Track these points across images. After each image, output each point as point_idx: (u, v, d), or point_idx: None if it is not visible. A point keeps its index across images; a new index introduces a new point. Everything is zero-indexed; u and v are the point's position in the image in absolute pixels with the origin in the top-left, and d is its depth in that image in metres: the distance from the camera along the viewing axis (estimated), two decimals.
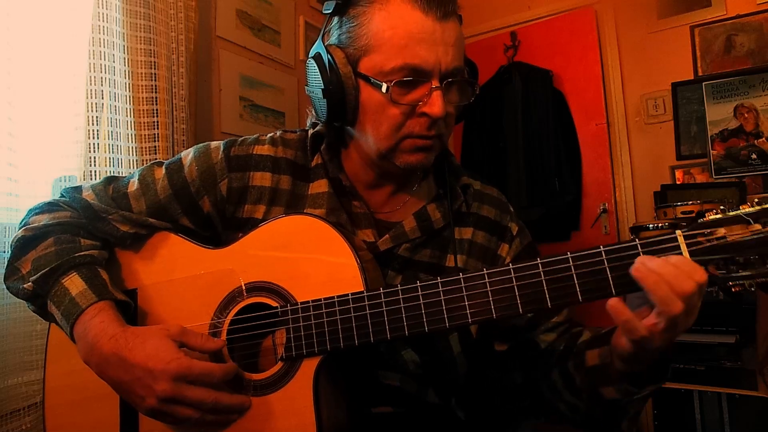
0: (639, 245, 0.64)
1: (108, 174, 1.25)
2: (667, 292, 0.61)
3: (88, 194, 0.89)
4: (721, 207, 0.64)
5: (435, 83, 0.77)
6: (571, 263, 0.66)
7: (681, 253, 0.63)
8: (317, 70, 0.81)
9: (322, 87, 0.80)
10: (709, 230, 0.63)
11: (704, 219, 0.65)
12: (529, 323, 0.90)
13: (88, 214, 0.86)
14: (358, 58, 0.79)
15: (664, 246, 0.64)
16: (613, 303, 0.64)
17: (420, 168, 0.85)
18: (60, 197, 0.91)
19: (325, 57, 0.80)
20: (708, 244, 0.63)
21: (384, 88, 0.77)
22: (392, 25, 0.76)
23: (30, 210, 0.89)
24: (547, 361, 0.88)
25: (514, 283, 0.67)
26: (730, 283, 0.63)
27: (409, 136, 0.80)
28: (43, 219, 0.85)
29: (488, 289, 0.68)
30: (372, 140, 0.82)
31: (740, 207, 0.64)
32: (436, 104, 0.77)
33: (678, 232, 0.64)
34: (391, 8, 0.77)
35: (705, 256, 0.63)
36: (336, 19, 0.83)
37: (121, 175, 0.95)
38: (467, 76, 0.84)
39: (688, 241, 0.63)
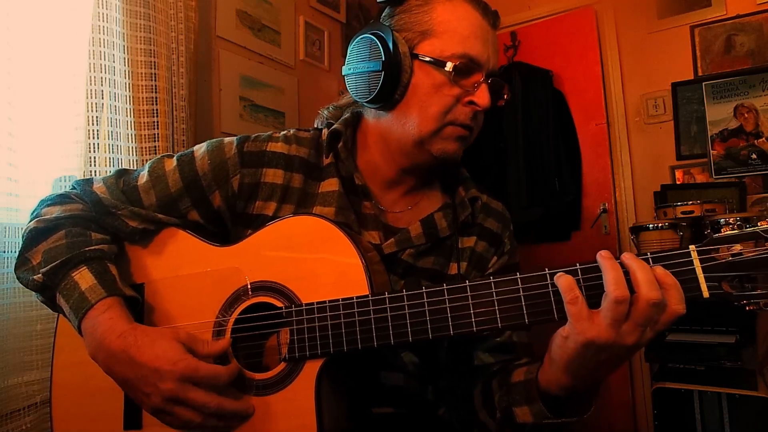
0: (650, 260, 0.63)
1: None
2: (620, 274, 0.61)
3: (98, 187, 0.89)
4: (738, 222, 0.62)
5: (484, 77, 0.83)
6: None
7: (695, 269, 0.62)
8: (377, 47, 0.83)
9: (383, 60, 0.82)
10: (724, 246, 0.61)
11: (720, 234, 0.63)
12: (479, 337, 0.90)
13: (98, 208, 0.86)
14: (417, 43, 0.83)
15: (676, 261, 0.62)
16: (567, 278, 0.63)
17: (453, 158, 0.87)
18: (71, 189, 0.91)
19: (388, 36, 0.83)
20: (723, 261, 0.61)
21: (448, 66, 0.81)
22: (458, 17, 0.83)
23: (42, 201, 0.89)
24: (475, 378, 0.88)
25: (521, 293, 0.66)
26: (744, 302, 0.61)
27: (452, 123, 0.84)
28: (55, 211, 0.85)
29: (494, 298, 0.67)
30: (416, 123, 0.84)
31: (758, 223, 0.61)
32: (484, 96, 0.82)
33: (692, 247, 0.62)
34: (456, 3, 0.84)
35: (719, 273, 0.61)
36: (389, 9, 0.87)
37: (132, 168, 0.95)
38: None
39: (701, 257, 0.62)
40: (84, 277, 0.78)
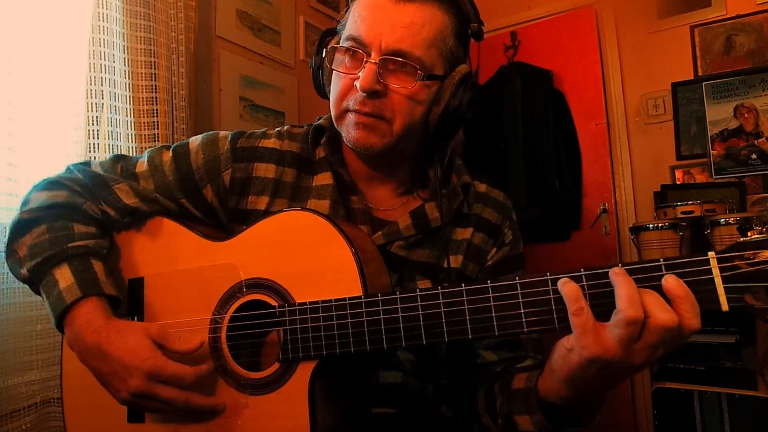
0: (663, 266, 0.57)
1: None
2: (634, 291, 0.56)
3: (95, 168, 0.90)
4: (766, 227, 0.55)
5: (372, 58, 0.77)
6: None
7: (713, 279, 0.55)
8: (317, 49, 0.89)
9: (312, 61, 0.90)
10: (750, 252, 0.54)
11: (746, 238, 0.55)
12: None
13: (97, 181, 0.87)
14: (340, 38, 0.84)
15: (692, 269, 0.56)
16: (572, 287, 0.59)
17: (363, 148, 0.81)
18: (67, 173, 0.91)
19: (323, 37, 0.88)
20: (746, 270, 0.54)
21: (323, 53, 0.83)
22: (358, 5, 0.82)
23: (33, 186, 0.90)
24: (478, 379, 0.86)
25: (520, 299, 0.63)
26: None
27: (350, 110, 0.81)
28: (41, 197, 0.86)
29: (492, 303, 0.64)
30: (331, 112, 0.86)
31: None
32: (362, 77, 0.77)
33: (711, 254, 0.55)
34: None
35: (742, 284, 0.54)
36: None
37: (129, 155, 0.96)
38: (419, 66, 0.79)
39: (721, 265, 0.55)
40: (63, 276, 0.79)
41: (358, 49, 0.79)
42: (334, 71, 0.84)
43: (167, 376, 0.72)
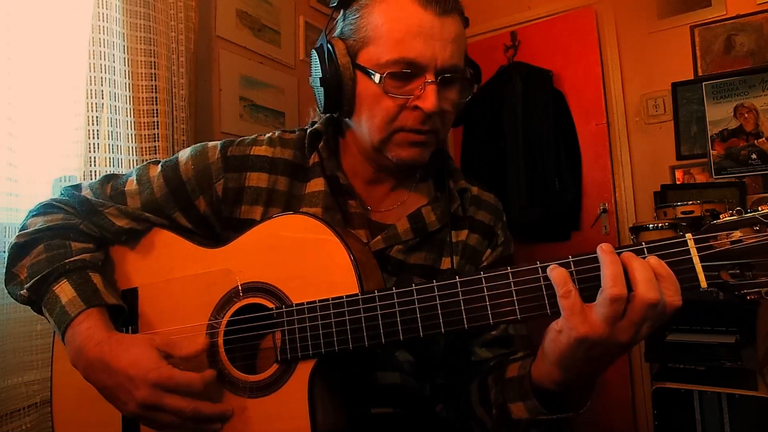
0: (645, 249, 0.60)
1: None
2: (619, 270, 0.58)
3: (86, 192, 0.89)
4: (738, 208, 0.60)
5: (430, 77, 0.77)
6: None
7: (692, 259, 0.59)
8: (316, 61, 0.83)
9: (320, 76, 0.82)
10: (723, 233, 0.58)
11: (718, 221, 0.60)
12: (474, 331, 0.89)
13: (85, 207, 0.87)
14: (358, 50, 0.81)
15: (672, 250, 0.60)
16: (561, 271, 0.61)
17: (413, 164, 0.84)
18: (60, 195, 0.91)
19: (326, 47, 0.82)
20: (721, 249, 0.58)
21: (377, 79, 0.78)
22: (390, 18, 0.78)
23: (29, 212, 0.90)
24: (472, 374, 0.87)
25: (512, 288, 0.65)
26: (745, 291, 0.58)
27: (402, 130, 0.81)
28: (38, 222, 0.86)
29: (485, 293, 0.66)
30: (366, 132, 0.83)
31: (759, 208, 0.59)
32: (428, 99, 0.77)
33: (688, 235, 0.59)
34: (391, 1, 0.79)
35: (717, 262, 0.58)
36: (341, 12, 0.85)
37: (119, 173, 0.95)
38: (468, 75, 0.84)
39: (699, 245, 0.59)
40: (64, 291, 0.78)
41: (414, 71, 0.78)
42: (360, 92, 0.81)
43: (175, 384, 0.71)
